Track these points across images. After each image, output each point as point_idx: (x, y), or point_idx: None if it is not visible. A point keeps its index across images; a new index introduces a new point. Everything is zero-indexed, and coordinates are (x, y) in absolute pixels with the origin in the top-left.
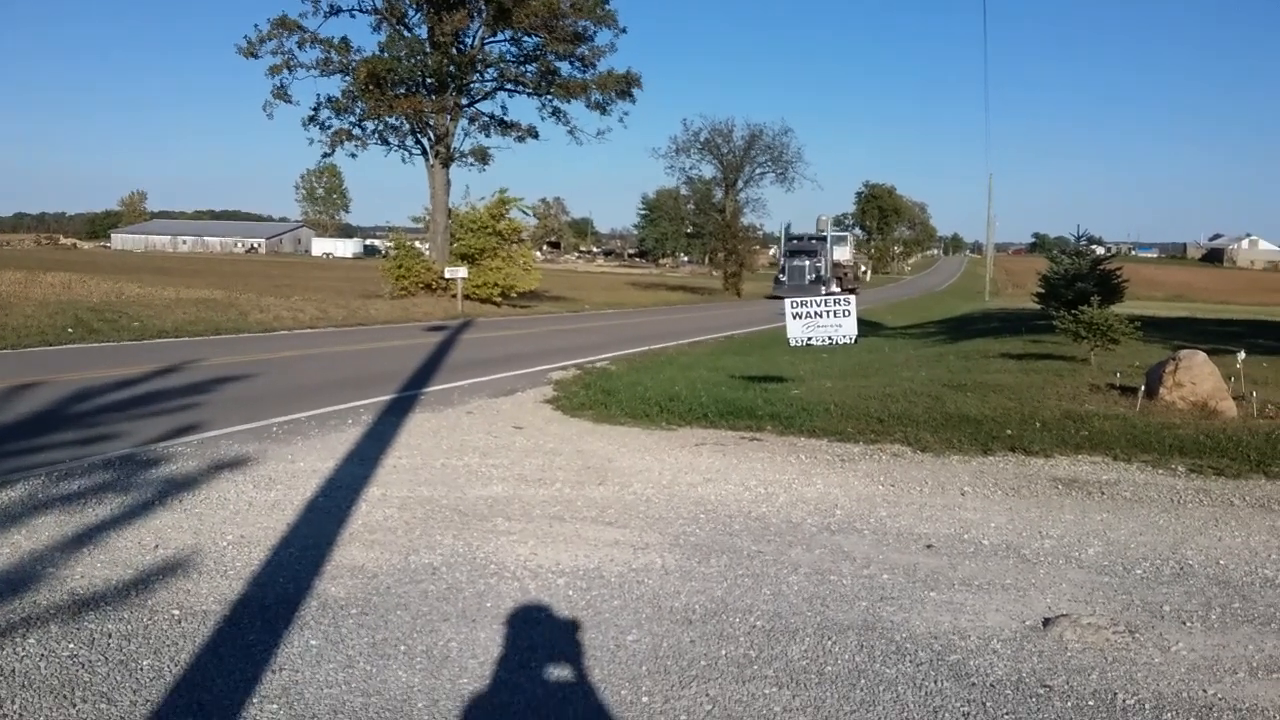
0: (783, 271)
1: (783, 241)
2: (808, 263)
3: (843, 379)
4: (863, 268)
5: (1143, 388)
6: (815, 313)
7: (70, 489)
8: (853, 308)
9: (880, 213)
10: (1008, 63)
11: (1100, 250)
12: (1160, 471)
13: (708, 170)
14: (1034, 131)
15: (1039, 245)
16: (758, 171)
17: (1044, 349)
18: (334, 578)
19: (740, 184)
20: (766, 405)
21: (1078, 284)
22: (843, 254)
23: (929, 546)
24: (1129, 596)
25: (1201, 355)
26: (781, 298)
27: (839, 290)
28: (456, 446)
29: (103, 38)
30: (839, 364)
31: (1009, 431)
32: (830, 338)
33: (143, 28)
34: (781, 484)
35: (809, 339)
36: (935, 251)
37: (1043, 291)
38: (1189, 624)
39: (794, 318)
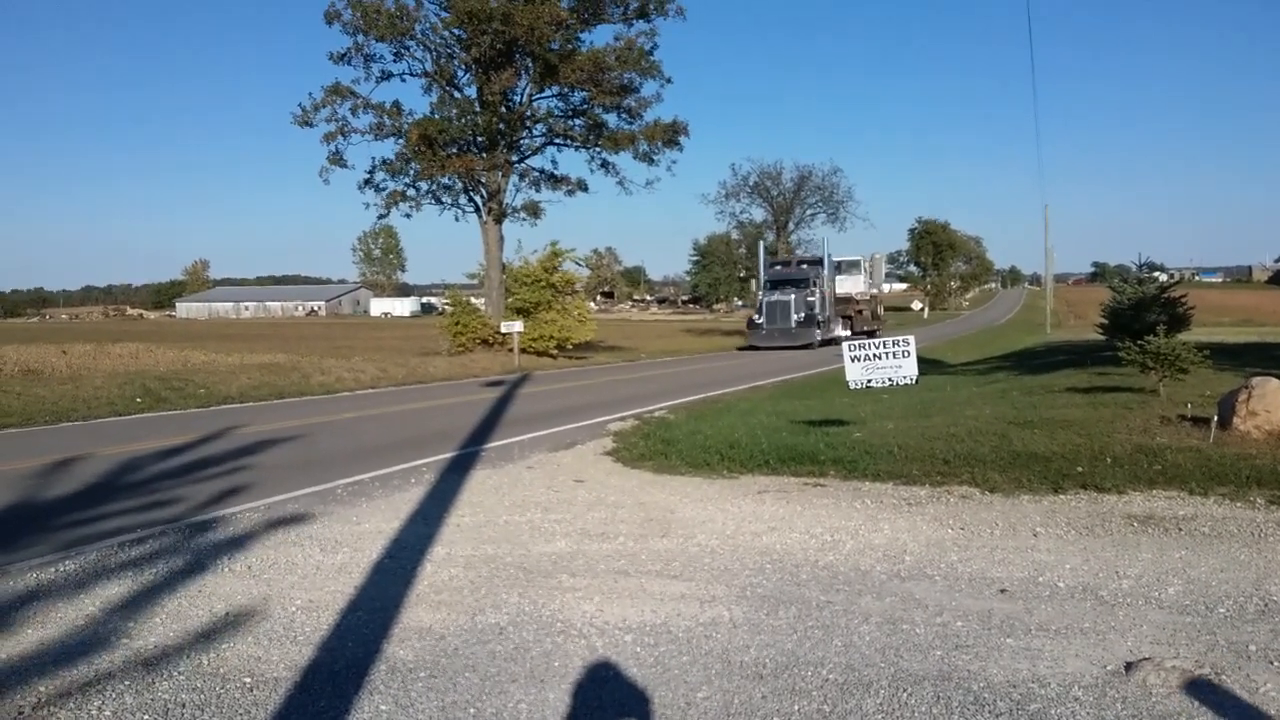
0: (760, 311)
1: (761, 267)
2: (794, 296)
3: (905, 420)
4: (917, 304)
5: (1215, 418)
6: (874, 355)
7: (141, 555)
8: (912, 348)
9: (935, 248)
10: (1059, 91)
11: (1163, 277)
12: (1239, 504)
13: (758, 213)
14: (1089, 159)
15: (1099, 274)
16: (809, 213)
17: (1111, 381)
18: (402, 640)
19: (791, 226)
20: (828, 449)
21: (1142, 313)
22: (854, 285)
23: (1003, 591)
24: (1213, 637)
25: (1275, 382)
26: (758, 348)
27: (847, 334)
28: (519, 502)
29: (164, 111)
30: (900, 404)
31: (1079, 468)
32: (890, 379)
33: (201, 101)
34: (848, 530)
35: (868, 381)
36: (993, 285)
37: (1106, 322)
38: (1277, 663)
39: (852, 360)
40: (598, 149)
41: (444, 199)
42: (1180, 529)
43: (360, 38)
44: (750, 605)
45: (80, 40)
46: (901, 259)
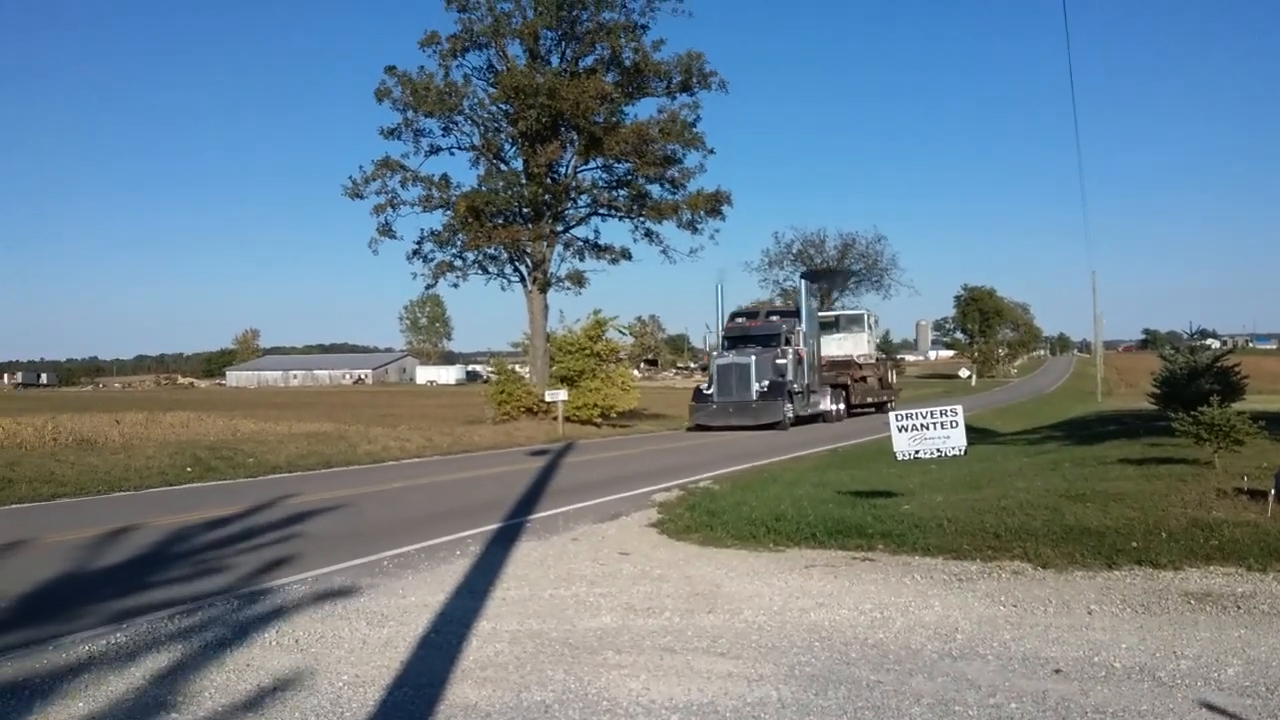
0: (710, 381)
1: (718, 319)
2: (755, 359)
3: (954, 492)
4: (964, 371)
5: (1273, 491)
6: (921, 425)
7: (190, 626)
8: (960, 418)
9: (982, 315)
10: (1106, 154)
11: (1215, 344)
12: None
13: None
14: (1137, 224)
15: (1150, 341)
16: (853, 280)
17: (1164, 452)
18: (448, 718)
19: (835, 294)
20: (876, 523)
21: (1195, 382)
22: (855, 346)
23: (1057, 671)
24: None
25: None
26: (707, 427)
27: (837, 407)
28: (564, 576)
29: (216, 181)
30: (949, 476)
31: (1134, 543)
32: (939, 450)
33: (253, 173)
34: (897, 607)
35: (916, 452)
36: (1042, 352)
37: (1158, 391)
38: None
39: (899, 430)
40: (641, 219)
41: (490, 269)
42: (1239, 607)
43: (410, 113)
44: (799, 685)
45: (136, 111)
46: (948, 326)
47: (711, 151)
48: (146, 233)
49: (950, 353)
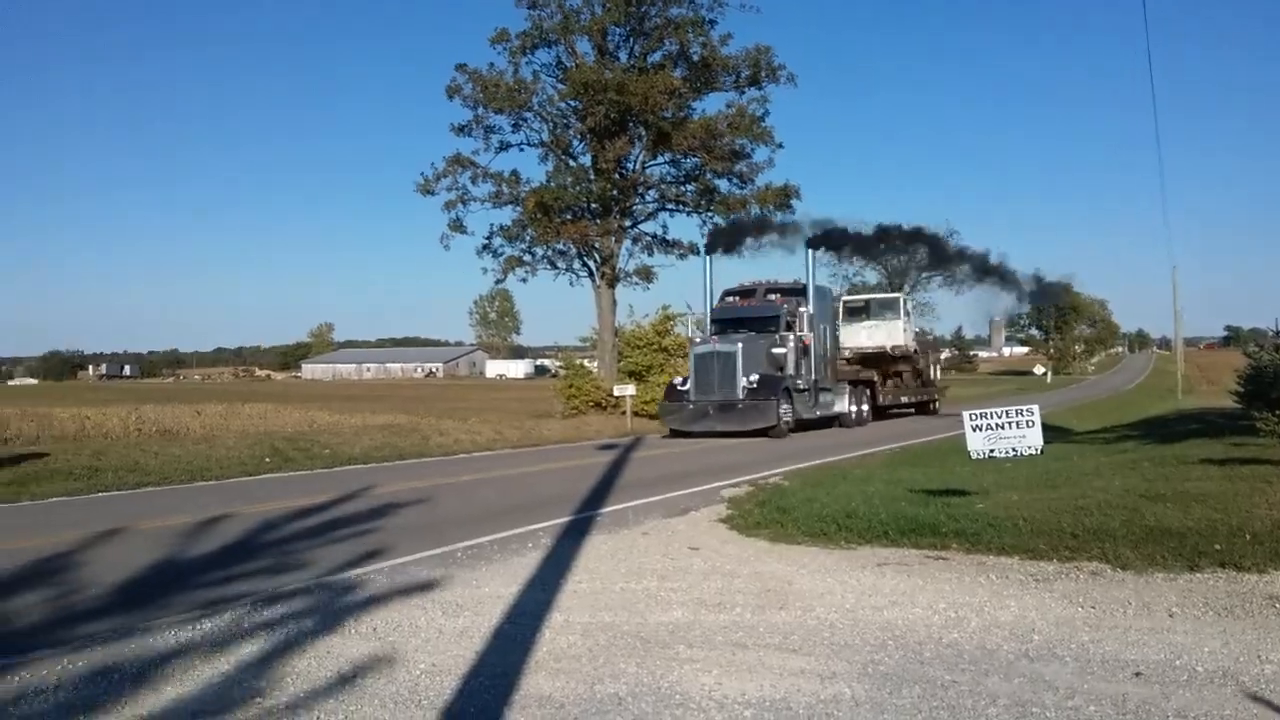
0: (684, 380)
1: (705, 298)
2: (741, 346)
3: (1029, 491)
4: (1039, 369)
5: None
6: (997, 424)
7: (271, 614)
8: (1037, 418)
9: (1057, 311)
10: (1186, 145)
11: None
12: None
13: (871, 276)
14: (1220, 217)
15: (1233, 338)
16: (924, 276)
17: (1248, 453)
18: (523, 708)
19: (906, 288)
20: (950, 521)
21: None
22: (887, 335)
23: (1137, 674)
24: None
25: None
26: (686, 433)
27: (857, 409)
28: (634, 569)
29: (292, 179)
30: (1024, 475)
31: (1217, 545)
32: (1014, 449)
33: (327, 170)
34: (972, 606)
35: (991, 451)
36: (1120, 349)
37: (1242, 389)
38: None
39: (974, 430)
40: (710, 213)
41: (559, 264)
42: None
43: (480, 110)
44: (872, 683)
45: (210, 108)
46: (1022, 322)
47: (780, 145)
48: (226, 228)
49: (1025, 349)
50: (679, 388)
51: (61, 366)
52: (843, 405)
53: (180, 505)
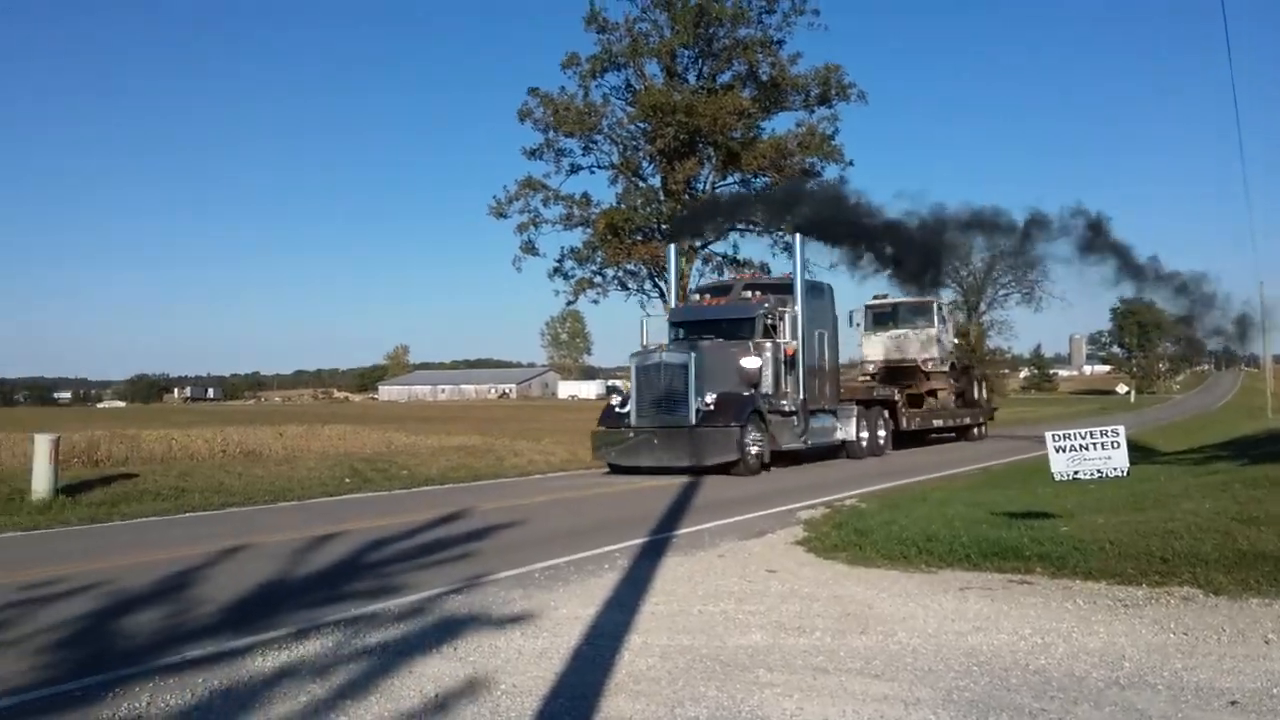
0: (624, 400)
1: (670, 291)
2: (692, 356)
3: (1115, 514)
4: (1122, 388)
5: None
6: (1081, 445)
7: (354, 637)
8: (1123, 438)
9: (1140, 328)
10: (1271, 159)
11: None
12: None
13: (946, 294)
14: None
15: None
16: (1001, 293)
17: None
18: None
19: (983, 306)
20: (1034, 544)
21: None
22: (918, 347)
23: (1233, 703)
24: None
25: None
26: (620, 468)
27: (860, 434)
28: (712, 592)
29: (367, 205)
30: (1109, 497)
31: None
32: (1099, 470)
33: (402, 196)
34: (1059, 632)
35: (1075, 472)
36: (1206, 367)
37: None
38: None
39: (1057, 451)
40: (780, 232)
41: (629, 285)
42: None
43: (551, 134)
44: (957, 710)
45: (288, 134)
46: (1104, 340)
47: (850, 164)
48: (305, 253)
49: (1107, 368)
50: (617, 410)
51: (148, 389)
52: (848, 431)
53: (264, 526)
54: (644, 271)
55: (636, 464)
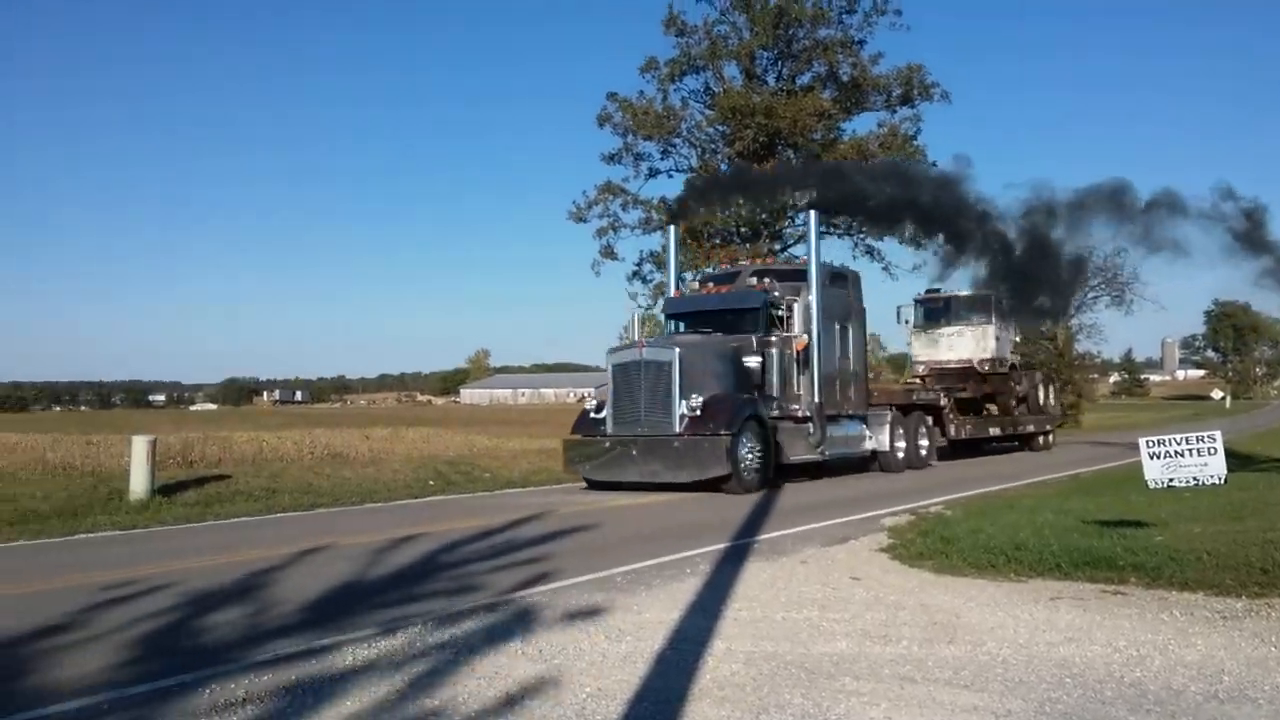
0: (599, 405)
1: (671, 275)
2: (678, 352)
3: (1212, 523)
4: (1217, 393)
5: None
6: (1176, 451)
7: (440, 636)
8: (1219, 444)
9: (1235, 332)
10: None
11: None
12: None
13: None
14: None
15: None
16: (1090, 295)
17: None
18: None
19: (1071, 310)
20: (1127, 554)
21: None
22: (972, 346)
23: None
24: None
25: None
26: (595, 482)
27: (896, 444)
28: (794, 599)
29: (449, 211)
30: (1205, 505)
31: None
32: (1195, 478)
33: (485, 200)
34: (1155, 645)
35: (1170, 480)
36: None
37: None
38: None
39: (1151, 457)
40: (861, 235)
41: None
42: None
43: (630, 138)
44: None
45: (373, 142)
46: (1198, 344)
47: (934, 164)
48: (388, 257)
49: (1200, 372)
50: (592, 416)
51: (238, 393)
52: (880, 440)
53: (352, 526)
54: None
55: (613, 479)
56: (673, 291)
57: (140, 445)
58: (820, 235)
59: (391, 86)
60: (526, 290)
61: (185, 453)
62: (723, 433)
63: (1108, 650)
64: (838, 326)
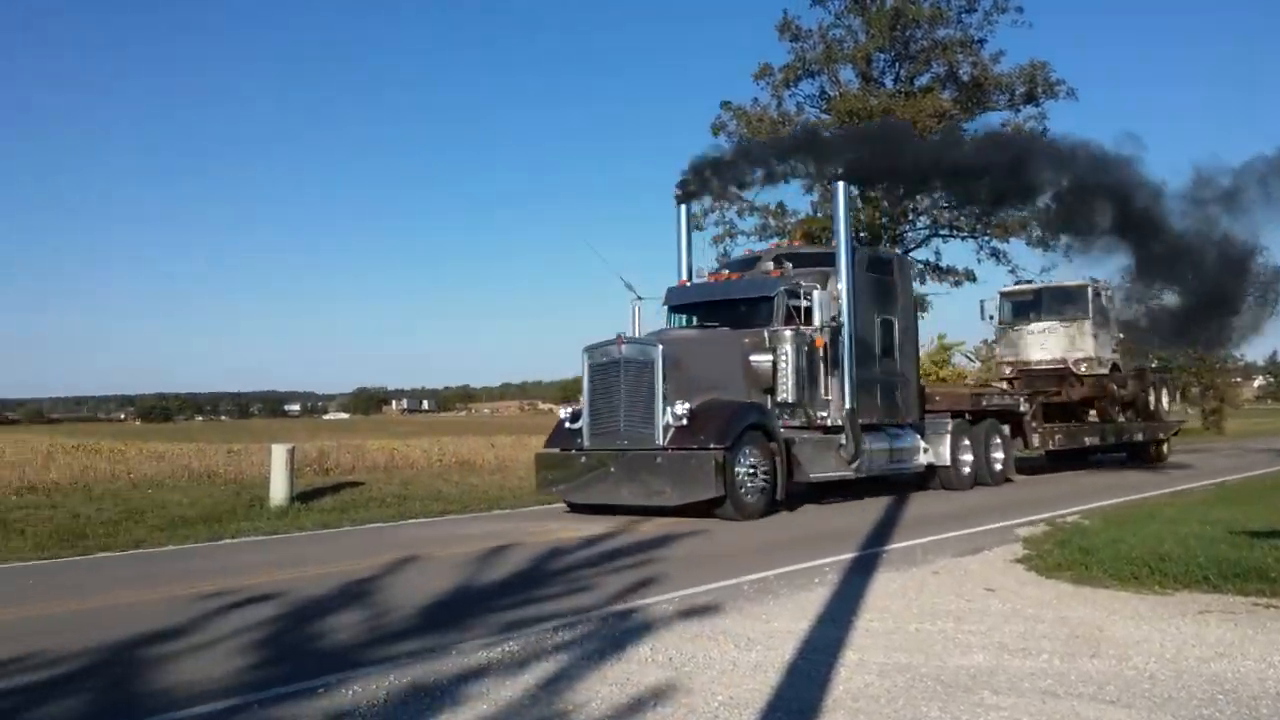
0: (575, 414)
1: (682, 260)
2: (662, 349)
3: None
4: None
5: None
6: None
7: (567, 639)
8: None
9: None
10: None
11: None
12: None
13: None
14: None
15: None
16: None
17: None
18: None
19: (1263, 327)
20: None
21: None
22: (1065, 344)
23: None
24: None
25: None
26: (575, 504)
27: (957, 456)
28: (927, 610)
29: (565, 220)
30: None
31: None
32: None
33: (593, 207)
34: None
35: None
36: None
37: None
38: None
39: None
40: (986, 237)
41: None
42: None
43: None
44: None
45: (493, 152)
46: None
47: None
48: (513, 269)
49: None
50: (567, 426)
51: (368, 402)
52: (937, 452)
53: (481, 531)
54: None
55: (590, 501)
56: (685, 281)
57: (279, 454)
58: (945, 231)
59: (526, 90)
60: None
61: (321, 460)
62: (713, 446)
63: (1262, 665)
64: (878, 319)
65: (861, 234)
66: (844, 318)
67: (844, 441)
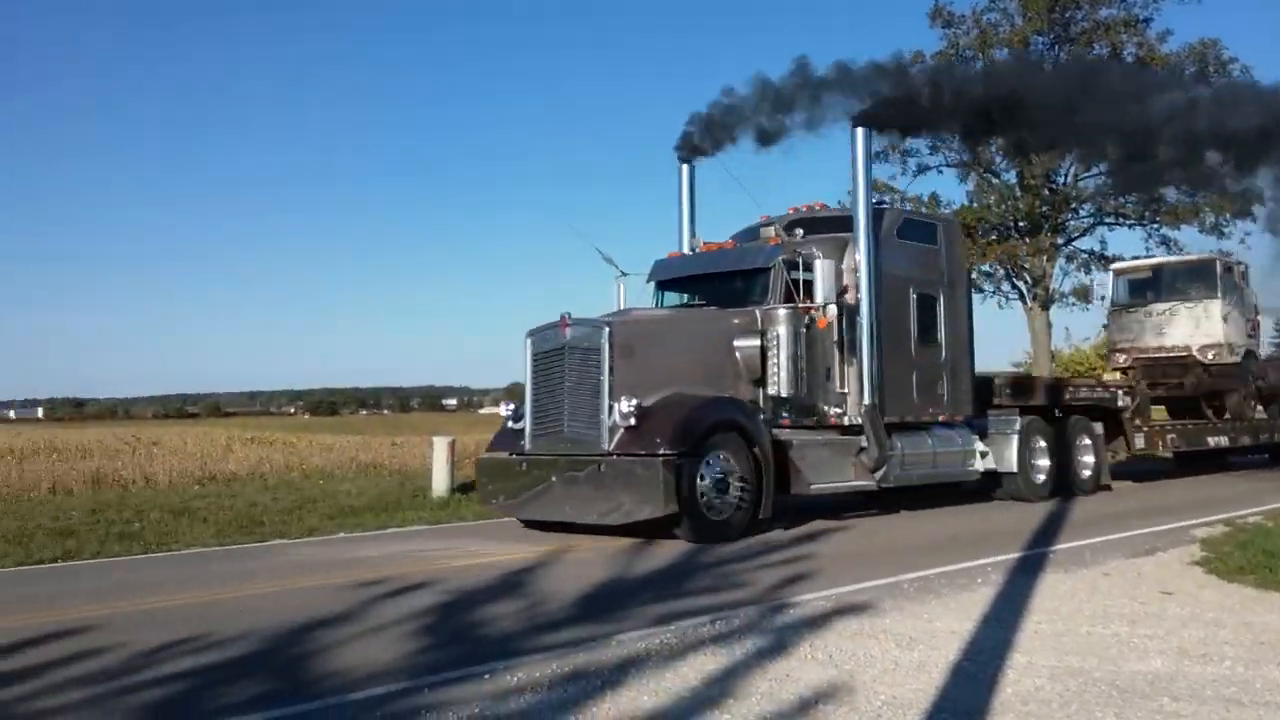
0: (518, 411)
1: (681, 243)
2: (608, 331)
3: None
4: None
5: None
6: None
7: (723, 633)
8: None
9: None
10: None
11: None
12: None
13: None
14: None
15: None
16: None
17: None
18: None
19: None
20: None
21: None
22: (1189, 328)
23: None
24: None
25: None
26: (528, 519)
27: (1029, 462)
28: (1099, 613)
29: (644, 219)
30: None
31: None
32: None
33: (710, 201)
34: None
35: None
36: None
37: None
38: None
39: None
40: (1155, 225)
41: (984, 286)
42: None
43: (895, 136)
44: None
45: (565, 153)
46: None
47: None
48: (550, 276)
49: None
50: (510, 426)
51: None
52: (1001, 456)
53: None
54: (1000, 272)
55: (533, 517)
56: (686, 249)
57: (441, 446)
58: (1111, 218)
59: (641, 91)
60: None
61: (479, 453)
62: (663, 451)
63: None
64: (915, 295)
65: (1020, 223)
66: (863, 293)
67: (865, 444)
